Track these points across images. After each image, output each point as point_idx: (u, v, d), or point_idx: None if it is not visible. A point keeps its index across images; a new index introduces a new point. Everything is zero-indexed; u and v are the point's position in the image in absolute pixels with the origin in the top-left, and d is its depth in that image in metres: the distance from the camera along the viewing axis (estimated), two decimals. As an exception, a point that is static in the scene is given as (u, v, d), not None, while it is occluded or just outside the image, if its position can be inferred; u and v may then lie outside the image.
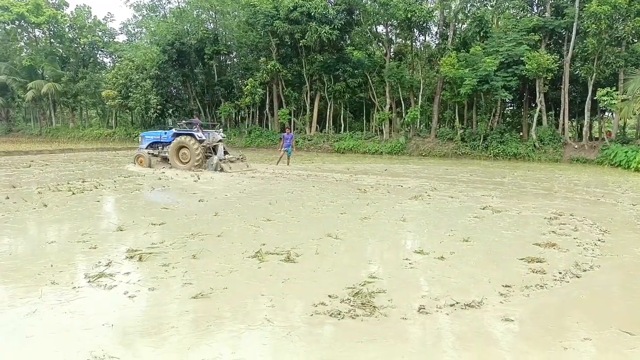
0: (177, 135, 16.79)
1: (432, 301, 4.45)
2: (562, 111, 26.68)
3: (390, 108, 30.81)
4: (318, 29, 28.35)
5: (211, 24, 37.18)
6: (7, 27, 43.77)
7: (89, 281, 4.70)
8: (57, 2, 45.44)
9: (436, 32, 30.96)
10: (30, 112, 48.79)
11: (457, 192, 12.09)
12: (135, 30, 46.00)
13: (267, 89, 33.89)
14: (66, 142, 35.38)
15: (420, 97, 29.91)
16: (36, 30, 44.72)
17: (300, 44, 30.04)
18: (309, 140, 32.14)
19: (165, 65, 34.75)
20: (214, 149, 16.80)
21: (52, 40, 44.63)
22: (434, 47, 31.50)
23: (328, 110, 32.95)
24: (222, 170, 16.16)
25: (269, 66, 31.35)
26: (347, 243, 6.59)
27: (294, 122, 33.73)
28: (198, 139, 16.38)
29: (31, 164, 17.47)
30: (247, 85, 32.28)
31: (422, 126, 33.06)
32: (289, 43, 31.47)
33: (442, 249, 6.35)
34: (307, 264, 5.50)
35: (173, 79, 35.94)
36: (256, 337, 3.61)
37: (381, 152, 28.86)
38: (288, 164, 19.10)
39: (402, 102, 30.88)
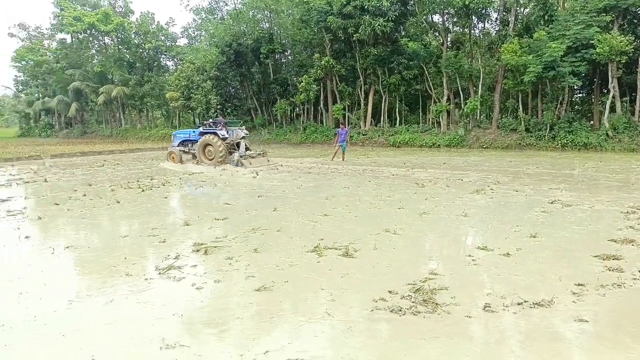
0: (202, 134, 17.87)
1: (498, 299, 4.30)
2: (638, 97, 24.68)
3: (448, 99, 29.93)
4: (372, 22, 28.04)
5: (266, 24, 37.87)
6: (80, 37, 47.04)
7: (160, 273, 4.97)
8: (123, 10, 48.21)
9: (496, 19, 29.62)
10: (102, 115, 52.14)
11: (522, 186, 11.56)
12: (195, 33, 47.79)
13: (322, 85, 34.04)
14: (134, 142, 37.50)
15: (480, 86, 28.80)
16: (105, 38, 47.71)
17: (354, 38, 29.87)
18: (363, 134, 31.95)
19: (223, 66, 35.84)
20: (238, 145, 17.78)
21: (119, 46, 47.43)
22: (494, 34, 30.16)
23: (383, 104, 32.57)
24: (242, 165, 16.97)
25: (322, 62, 31.46)
26: (405, 238, 6.50)
27: (348, 117, 33.67)
28: (221, 137, 17.35)
29: (104, 164, 18.70)
30: (302, 82, 32.60)
31: (482, 117, 31.83)
32: (343, 38, 31.38)
33: (507, 245, 6.11)
34: (366, 259, 5.49)
35: (231, 79, 36.98)
36: (317, 330, 3.66)
37: (439, 145, 28.15)
38: (343, 159, 19.11)
39: (461, 92, 29.89)
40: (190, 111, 40.92)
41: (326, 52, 32.60)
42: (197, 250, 5.82)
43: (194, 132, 18.63)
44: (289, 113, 37.42)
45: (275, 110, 36.47)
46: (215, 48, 35.71)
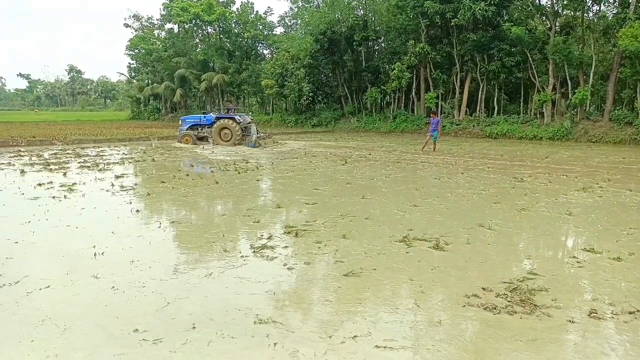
0: (219, 118, 20.24)
1: (606, 306, 3.92)
2: None
3: (554, 88, 27.57)
4: (472, 6, 26.61)
5: (361, 10, 37.58)
6: (185, 26, 50.39)
7: (254, 252, 5.22)
8: (225, 0, 50.67)
9: (614, 0, 26.57)
10: (204, 101, 55.61)
11: (638, 185, 10.36)
12: (292, 22, 48.88)
13: (414, 73, 33.14)
14: (231, 127, 39.53)
15: (591, 75, 26.14)
16: (208, 27, 50.61)
17: (452, 23, 28.59)
18: (457, 124, 30.64)
19: (317, 54, 36.29)
20: (246, 129, 20.26)
21: (221, 35, 50.06)
22: (610, 18, 27.11)
23: (480, 93, 30.90)
24: (259, 146, 19.55)
25: (417, 49, 30.56)
26: (501, 235, 6.15)
27: (441, 105, 32.48)
28: (237, 121, 19.82)
29: (204, 146, 19.98)
30: (394, 69, 31.99)
31: (592, 108, 28.95)
32: (439, 23, 30.18)
33: (618, 248, 5.53)
34: (458, 253, 5.29)
35: (323, 67, 37.37)
36: (405, 321, 3.61)
37: (541, 138, 26.15)
38: (434, 150, 18.52)
39: (569, 81, 27.35)
40: (283, 98, 42.13)
41: (421, 38, 31.64)
42: (289, 233, 6.01)
43: (204, 117, 20.97)
44: (379, 101, 37.00)
45: (366, 98, 36.26)
46: (310, 36, 36.21)
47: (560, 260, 5.28)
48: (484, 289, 4.21)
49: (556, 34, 27.44)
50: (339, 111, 38.95)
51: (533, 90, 29.32)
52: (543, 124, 27.40)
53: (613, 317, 3.72)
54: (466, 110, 31.67)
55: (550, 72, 27.47)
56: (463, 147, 21.13)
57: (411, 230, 6.18)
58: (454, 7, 27.53)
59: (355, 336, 3.32)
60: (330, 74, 39.02)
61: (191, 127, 20.93)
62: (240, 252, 5.24)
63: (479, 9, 26.42)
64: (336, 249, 5.35)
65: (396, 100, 35.91)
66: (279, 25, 50.73)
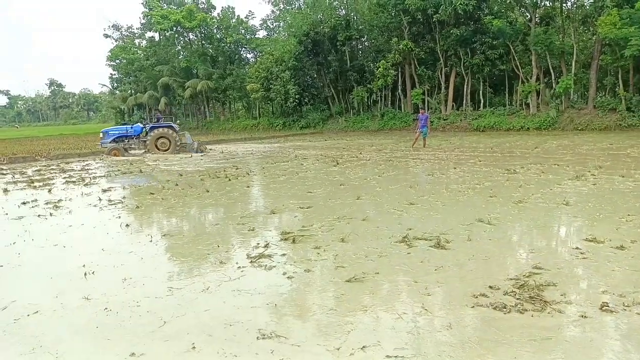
0: (154, 127, 20.08)
1: (617, 298, 3.82)
2: None
3: (537, 79, 27.79)
4: (453, 1, 26.75)
5: (343, 10, 37.59)
6: (167, 34, 49.95)
7: (251, 261, 5.04)
8: (205, 6, 50.34)
9: (592, -12, 26.86)
10: (189, 108, 55.18)
11: (629, 170, 10.38)
12: (274, 24, 48.77)
13: (399, 70, 33.20)
14: (218, 133, 39.25)
15: (573, 64, 26.42)
16: (190, 34, 50.25)
17: (434, 19, 28.72)
18: (444, 119, 30.75)
19: (301, 56, 36.18)
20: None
21: (203, 42, 49.74)
22: (588, 7, 27.42)
23: (465, 87, 31.05)
24: (202, 152, 20.18)
25: (400, 46, 30.63)
26: (502, 229, 6.05)
27: (428, 101, 32.57)
28: (175, 129, 20.20)
29: (192, 155, 19.71)
30: (379, 67, 32.00)
31: (576, 97, 29.23)
32: (422, 20, 30.30)
33: (619, 236, 5.46)
34: (460, 250, 5.17)
35: (309, 68, 37.27)
36: (415, 326, 3.46)
37: (528, 128, 26.32)
38: (424, 146, 18.48)
39: (551, 71, 27.60)
40: (269, 102, 41.93)
41: (404, 35, 31.72)
42: (285, 239, 5.84)
43: (131, 127, 20.58)
44: (366, 100, 37.03)
45: (352, 98, 36.25)
46: (293, 38, 36.14)
47: (563, 252, 5.19)
48: (490, 287, 4.09)
49: (536, 25, 27.68)
50: (327, 112, 38.87)
51: (517, 81, 29.55)
52: (529, 115, 27.59)
53: (625, 309, 3.62)
54: (453, 105, 31.80)
55: (533, 63, 27.69)
56: (452, 141, 21.15)
57: (410, 229, 6.05)
58: (435, 2, 27.64)
59: (364, 347, 3.16)
60: (316, 75, 38.96)
61: (115, 140, 20.15)
62: (236, 262, 5.06)
63: (460, 4, 26.55)
64: (336, 254, 5.20)
65: (383, 99, 35.93)
66: (261, 29, 50.61)
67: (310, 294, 4.19)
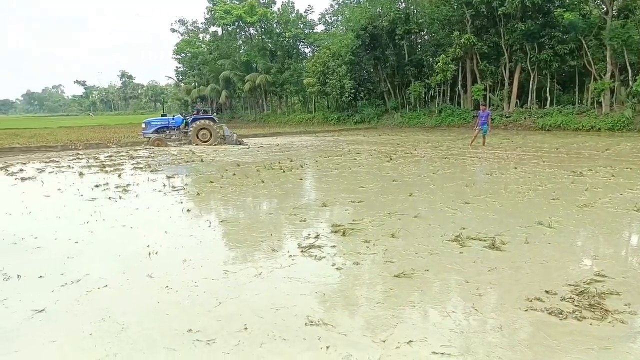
0: (196, 119, 20.60)
1: (688, 312, 3.57)
2: None
3: (612, 76, 25.95)
4: (521, -7, 25.49)
5: (402, 4, 36.95)
6: (229, 29, 51.44)
7: (302, 251, 5.17)
8: (266, 1, 51.30)
9: (680, -22, 24.63)
10: (247, 102, 56.61)
11: None
12: (332, 19, 48.83)
13: (460, 65, 32.22)
14: (275, 126, 40.02)
15: (655, 60, 24.42)
16: (251, 28, 51.43)
17: (499, 12, 27.56)
18: (507, 117, 29.52)
19: (358, 50, 36.01)
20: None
21: (263, 36, 50.74)
22: (676, -3, 25.17)
23: (530, 83, 29.59)
24: (240, 143, 20.88)
25: (462, 40, 29.68)
26: (563, 233, 5.79)
27: (489, 98, 31.40)
28: (216, 121, 20.71)
29: (250, 146, 20.28)
30: (438, 62, 31.22)
31: (656, 96, 27.03)
32: (486, 13, 29.18)
33: (697, 248, 5.07)
34: (516, 253, 5.01)
35: (365, 62, 37.03)
36: (462, 325, 3.43)
37: (599, 129, 24.70)
38: (484, 144, 17.88)
39: (629, 68, 25.64)
40: (325, 96, 42.14)
41: (466, 29, 30.71)
42: (336, 232, 5.93)
43: (173, 119, 21.04)
44: (423, 95, 36.31)
45: (409, 93, 35.63)
46: (351, 32, 36.00)
47: (631, 261, 4.90)
48: (547, 291, 3.96)
49: (613, 18, 25.81)
50: (382, 107, 38.49)
51: (589, 78, 27.76)
52: (601, 114, 25.88)
53: (697, 324, 3.38)
54: (516, 102, 30.45)
55: (607, 59, 25.89)
56: (514, 140, 20.30)
57: (464, 228, 5.94)
58: (501, -5, 26.48)
59: (410, 341, 3.18)
60: (372, 70, 38.63)
61: (156, 130, 20.59)
62: (288, 251, 5.21)
63: (529, -4, 25.26)
64: (385, 249, 5.22)
65: (441, 94, 35.06)
66: (320, 23, 50.81)
67: (358, 286, 4.25)
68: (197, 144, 20.04)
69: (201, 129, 20.39)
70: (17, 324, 3.55)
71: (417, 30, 35.63)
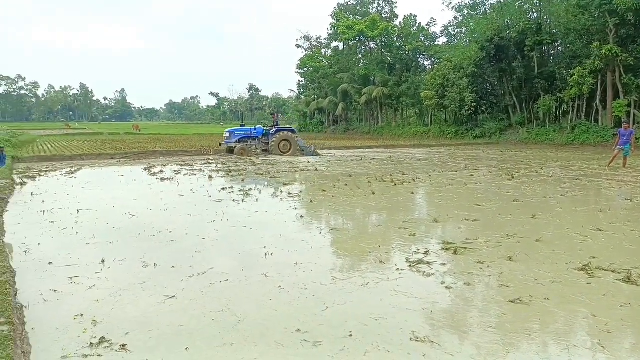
0: (280, 130, 21.14)
1: None
2: None
3: None
4: (681, -4, 22.28)
5: (534, 13, 34.59)
6: (350, 43, 52.83)
7: (410, 266, 5.12)
8: (388, 15, 51.70)
9: None
10: (363, 114, 57.38)
11: None
12: (455, 31, 47.45)
13: (599, 78, 29.05)
14: (389, 139, 40.00)
15: None
16: (371, 43, 52.21)
17: (651, 18, 24.36)
18: (656, 137, 25.81)
19: (482, 62, 34.51)
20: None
21: (382, 50, 51.17)
22: None
23: (689, 99, 25.57)
24: (317, 155, 20.98)
25: (603, 51, 26.77)
26: None
27: (634, 115, 27.78)
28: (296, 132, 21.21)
29: (362, 157, 20.54)
30: (574, 75, 28.51)
31: None
32: (633, 21, 25.99)
33: None
34: (658, 290, 4.39)
35: (489, 75, 35.31)
36: (586, 363, 3.12)
37: None
38: (624, 165, 15.85)
39: None
40: (442, 109, 41.03)
41: (608, 39, 27.67)
42: (447, 249, 5.76)
43: (254, 129, 21.53)
44: (553, 110, 33.44)
45: (538, 108, 33.09)
46: (475, 44, 34.61)
47: None
48: (696, 339, 3.41)
49: None
50: (505, 122, 36.28)
51: None
52: None
53: None
54: (669, 120, 26.52)
55: None
56: (664, 163, 17.66)
57: (594, 258, 5.36)
58: (655, -1, 23.41)
59: (522, 371, 2.99)
60: (496, 83, 36.67)
61: (239, 140, 20.80)
62: (395, 264, 5.20)
63: (691, -1, 21.98)
64: (501, 272, 4.93)
65: (575, 109, 31.95)
66: (442, 36, 49.65)
67: (468, 307, 4.08)
68: (275, 154, 20.41)
69: (282, 140, 20.91)
70: (151, 306, 4.06)
71: (550, 41, 33.02)
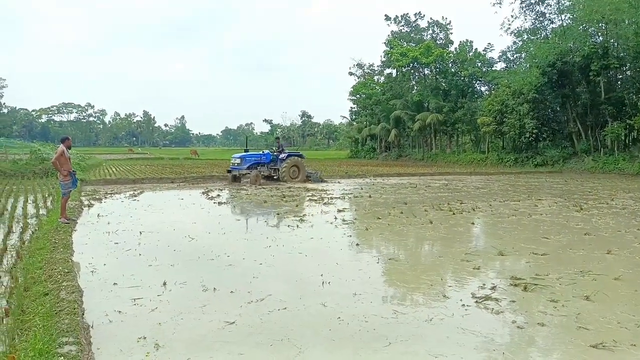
0: (290, 156, 20.13)
1: None
2: None
3: None
4: None
5: (599, 37, 33.09)
6: (403, 70, 52.72)
7: (476, 301, 4.83)
8: (443, 42, 51.32)
9: None
10: (416, 140, 56.64)
11: None
12: (514, 56, 46.15)
13: (677, 103, 27.11)
14: (443, 166, 39.05)
15: None
16: (425, 69, 51.86)
17: None
18: None
19: (543, 88, 33.25)
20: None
21: (437, 76, 50.65)
22: None
23: None
24: (322, 181, 20.72)
25: (679, 74, 25.02)
26: None
27: None
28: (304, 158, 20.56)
29: (417, 185, 20.12)
30: (646, 100, 26.79)
31: None
32: None
33: None
34: None
35: (551, 101, 33.93)
36: None
37: None
38: None
39: None
40: (500, 136, 39.72)
41: (684, 61, 25.84)
42: (515, 285, 5.39)
43: (263, 154, 20.33)
44: (623, 138, 31.45)
45: (605, 135, 31.28)
46: (536, 69, 33.42)
47: None
48: None
49: None
50: (569, 149, 34.49)
51: None
52: None
53: None
54: None
55: None
56: None
57: (685, 301, 4.83)
58: None
59: None
60: (559, 109, 35.14)
61: (250, 167, 19.48)
62: (460, 299, 4.92)
63: None
64: (578, 312, 4.54)
65: (648, 137, 29.86)
66: (500, 61, 48.42)
67: (544, 350, 3.77)
68: (285, 180, 19.45)
69: (293, 165, 19.93)
70: (211, 332, 4.05)
71: (618, 65, 31.33)
